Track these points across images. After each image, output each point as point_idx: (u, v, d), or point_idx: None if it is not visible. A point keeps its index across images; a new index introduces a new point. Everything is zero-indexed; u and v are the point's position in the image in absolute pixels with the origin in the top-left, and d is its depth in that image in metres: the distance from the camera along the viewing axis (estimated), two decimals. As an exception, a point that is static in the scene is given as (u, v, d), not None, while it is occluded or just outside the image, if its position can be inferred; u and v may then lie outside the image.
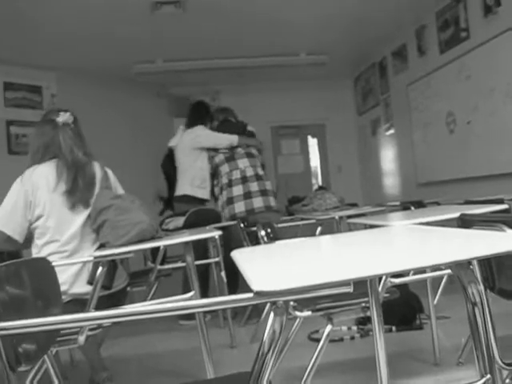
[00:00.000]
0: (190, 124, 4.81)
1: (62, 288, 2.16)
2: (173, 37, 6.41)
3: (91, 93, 7.33)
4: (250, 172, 4.43)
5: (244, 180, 4.38)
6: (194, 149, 4.65)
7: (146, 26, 5.91)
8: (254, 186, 4.37)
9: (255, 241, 3.15)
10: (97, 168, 2.66)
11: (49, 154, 2.57)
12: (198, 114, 4.84)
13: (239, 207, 4.30)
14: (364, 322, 3.60)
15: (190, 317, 3.99)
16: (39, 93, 7.02)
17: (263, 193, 4.38)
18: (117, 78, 7.65)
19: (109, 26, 5.83)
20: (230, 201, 4.35)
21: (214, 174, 4.60)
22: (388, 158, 7.93)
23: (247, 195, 4.33)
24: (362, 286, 1.77)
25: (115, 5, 5.27)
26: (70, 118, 2.64)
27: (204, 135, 4.69)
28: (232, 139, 4.57)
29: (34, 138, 2.68)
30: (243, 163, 4.47)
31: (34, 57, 6.55)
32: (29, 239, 2.52)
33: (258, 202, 4.32)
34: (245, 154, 4.53)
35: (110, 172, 2.76)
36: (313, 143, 9.57)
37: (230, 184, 4.40)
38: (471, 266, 1.16)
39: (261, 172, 4.50)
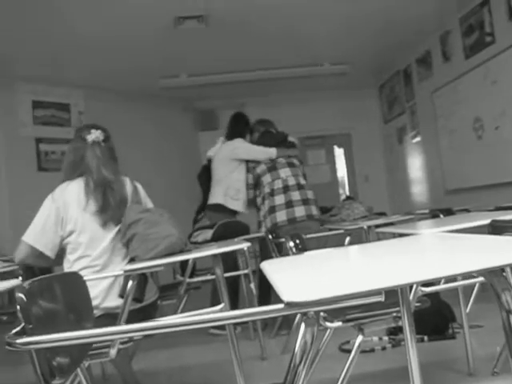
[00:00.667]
0: (230, 136, 4.86)
1: (94, 302, 2.19)
2: (197, 51, 6.47)
3: (118, 109, 7.42)
4: (291, 181, 4.44)
5: (286, 189, 4.40)
6: (231, 160, 4.69)
7: (170, 40, 5.98)
8: (295, 195, 4.38)
9: (283, 252, 3.15)
10: (127, 183, 2.69)
11: (78, 171, 2.61)
12: (238, 127, 4.90)
13: (281, 216, 4.31)
14: (395, 332, 3.56)
15: (222, 327, 3.99)
16: (67, 110, 7.14)
17: (305, 202, 4.38)
18: (142, 93, 7.74)
19: (133, 42, 5.91)
20: (272, 210, 4.36)
21: (256, 184, 4.62)
22: (415, 165, 7.86)
23: (289, 204, 4.34)
24: (392, 295, 1.75)
25: (139, 21, 5.34)
26: (100, 136, 2.66)
27: (243, 148, 4.73)
28: (270, 152, 4.59)
29: (66, 155, 2.72)
30: (285, 173, 4.48)
31: (62, 75, 6.67)
32: (60, 255, 2.55)
33: (299, 211, 4.32)
34: (286, 164, 4.54)
35: (139, 186, 2.78)
36: (339, 153, 9.54)
37: (272, 193, 4.41)
38: (504, 273, 1.14)
39: (303, 181, 4.51)
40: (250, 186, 4.70)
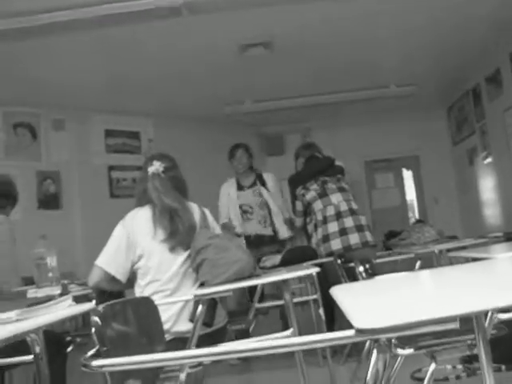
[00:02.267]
0: None
1: (165, 326, 2.22)
2: (261, 77, 6.56)
3: (186, 136, 7.58)
4: (343, 207, 4.34)
5: (338, 216, 4.30)
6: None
7: (235, 67, 6.08)
8: (348, 222, 4.28)
9: (353, 277, 3.11)
10: (195, 209, 2.75)
11: (145, 200, 2.71)
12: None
13: (336, 244, 4.23)
14: (470, 360, 3.43)
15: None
16: (138, 138, 7.37)
17: (359, 228, 4.28)
18: (209, 119, 7.88)
19: (199, 70, 6.05)
20: (326, 238, 4.29)
21: (306, 211, 4.58)
22: (487, 187, 7.62)
23: (343, 232, 4.25)
24: (467, 321, 1.69)
25: (205, 49, 5.46)
26: (159, 167, 2.75)
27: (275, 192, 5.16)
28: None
29: (136, 184, 2.85)
30: (336, 198, 4.38)
31: (131, 104, 6.90)
32: (131, 280, 2.62)
33: (354, 239, 4.23)
34: (337, 189, 4.44)
35: (207, 212, 2.84)
36: (407, 176, 9.38)
37: (325, 221, 4.32)
38: None
39: (355, 206, 4.41)
40: (298, 213, 4.66)
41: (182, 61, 5.71)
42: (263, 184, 5.19)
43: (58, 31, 4.45)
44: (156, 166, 2.74)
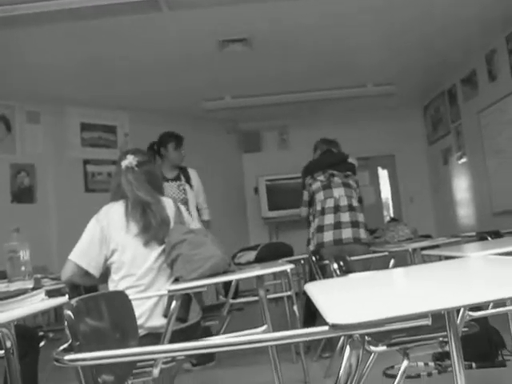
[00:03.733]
0: None
1: (138, 321, 2.21)
2: (241, 73, 6.55)
3: (162, 130, 7.51)
4: (343, 202, 4.39)
5: (336, 209, 4.36)
6: None
7: (215, 63, 6.07)
8: (345, 217, 4.33)
9: (327, 274, 3.13)
10: (169, 204, 2.74)
11: (119, 194, 2.69)
12: None
13: (328, 236, 4.27)
14: (441, 357, 3.47)
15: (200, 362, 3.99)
16: (114, 132, 7.31)
17: (354, 224, 4.32)
18: (187, 115, 7.85)
19: (178, 66, 6.03)
20: (320, 229, 4.33)
21: (311, 200, 4.62)
22: (461, 187, 7.72)
23: (337, 225, 4.30)
24: (439, 319, 1.71)
25: (184, 45, 5.45)
26: (133, 161, 2.73)
27: None
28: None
29: (111, 178, 2.83)
30: (338, 192, 4.43)
31: (108, 98, 6.85)
32: (105, 274, 2.60)
33: (346, 233, 4.27)
34: (341, 184, 4.49)
35: (182, 207, 2.83)
36: (383, 174, 9.46)
37: (323, 212, 4.38)
38: (556, 298, 1.11)
39: (355, 203, 4.45)
40: (304, 203, 4.69)
41: (161, 56, 5.68)
42: (187, 180, 4.97)
43: (33, 22, 4.39)
44: (129, 160, 2.73)
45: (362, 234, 4.35)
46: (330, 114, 8.47)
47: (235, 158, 8.90)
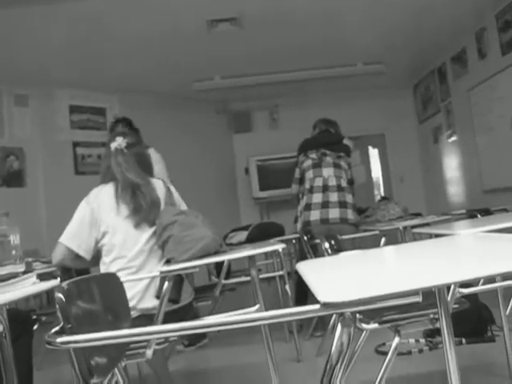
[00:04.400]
0: None
1: (131, 303, 2.22)
2: (230, 53, 6.50)
3: (152, 112, 7.50)
4: (332, 182, 4.40)
5: (325, 188, 4.37)
6: None
7: (204, 44, 6.02)
8: (333, 197, 4.34)
9: (318, 253, 3.14)
10: (159, 185, 2.73)
11: (109, 176, 2.68)
12: None
13: (314, 215, 4.29)
14: (432, 334, 3.51)
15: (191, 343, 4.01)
16: (103, 114, 7.26)
17: (342, 204, 4.33)
18: (177, 96, 7.81)
19: (167, 46, 5.98)
20: (308, 207, 4.34)
21: (301, 178, 4.62)
22: (451, 165, 7.75)
23: (325, 204, 4.31)
24: (429, 296, 1.73)
25: (173, 25, 5.39)
26: (122, 143, 2.72)
27: None
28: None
29: (101, 161, 2.81)
30: (328, 172, 4.44)
31: (97, 80, 6.78)
32: (96, 257, 2.60)
33: (333, 213, 4.28)
34: (332, 164, 4.49)
35: (172, 189, 2.82)
36: (373, 154, 9.47)
37: (311, 190, 4.39)
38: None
39: (344, 184, 4.45)
40: (295, 180, 4.69)
41: (150, 36, 5.61)
42: None
43: (21, 4, 4.34)
44: (119, 142, 2.72)
45: (350, 214, 4.36)
46: (320, 94, 8.44)
47: (226, 139, 8.88)
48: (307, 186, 4.45)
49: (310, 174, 4.48)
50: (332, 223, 4.25)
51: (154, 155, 4.61)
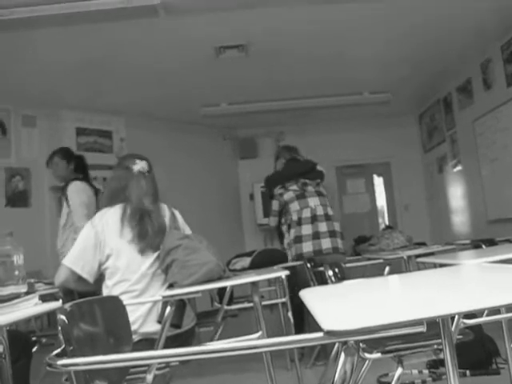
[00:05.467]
0: None
1: (133, 327, 2.20)
2: (237, 80, 6.55)
3: (158, 136, 7.55)
4: (320, 211, 4.38)
5: (314, 219, 4.34)
6: None
7: (211, 70, 6.07)
8: (322, 227, 4.32)
9: (322, 281, 3.12)
10: (165, 210, 2.73)
11: (119, 199, 2.66)
12: None
13: (307, 247, 4.26)
14: (435, 365, 3.47)
15: None
16: (109, 137, 7.30)
17: (332, 234, 4.32)
18: (183, 121, 7.86)
19: (175, 71, 6.03)
20: (299, 240, 4.31)
21: (282, 211, 4.58)
22: (456, 194, 7.74)
23: (316, 235, 4.28)
24: (433, 327, 1.71)
25: (181, 50, 5.45)
26: (145, 166, 2.72)
27: None
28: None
29: (108, 182, 2.79)
30: (314, 202, 4.42)
31: (104, 103, 6.84)
32: (99, 280, 2.59)
33: (326, 243, 4.27)
34: (315, 193, 4.48)
35: (177, 213, 2.82)
36: (378, 182, 9.47)
37: (300, 222, 4.35)
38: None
39: (331, 212, 4.44)
40: (274, 212, 4.63)
41: (158, 61, 5.67)
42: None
43: (30, 26, 4.39)
44: (142, 165, 2.72)
45: (340, 243, 4.37)
46: (325, 121, 8.48)
47: (231, 165, 8.90)
48: (294, 217, 4.40)
49: (295, 206, 4.43)
50: (325, 254, 4.23)
51: (76, 187, 4.52)
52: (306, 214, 4.36)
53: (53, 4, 4.05)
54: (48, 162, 4.76)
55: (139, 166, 2.71)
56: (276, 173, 4.83)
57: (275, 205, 4.60)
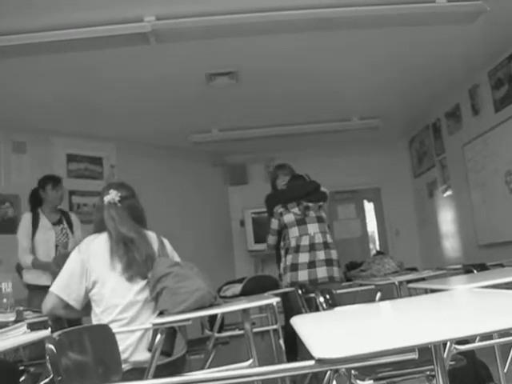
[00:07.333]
0: None
1: (123, 356, 2.18)
2: (227, 106, 6.59)
3: (149, 162, 7.54)
4: (318, 239, 4.34)
5: (312, 247, 4.30)
6: None
7: (202, 96, 6.10)
8: (320, 255, 4.28)
9: (313, 307, 3.10)
10: (153, 238, 2.72)
11: (101, 228, 2.67)
12: None
13: (303, 276, 4.22)
14: (429, 391, 3.44)
15: None
16: (100, 164, 7.29)
17: (328, 262, 4.28)
18: (173, 147, 7.87)
19: (166, 98, 6.06)
20: (295, 267, 4.28)
21: (281, 232, 4.55)
22: (447, 219, 7.76)
23: (312, 264, 4.25)
24: (425, 353, 1.70)
25: (172, 77, 5.48)
26: (115, 197, 2.71)
27: None
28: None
29: (94, 212, 2.80)
30: (313, 229, 4.38)
31: (95, 129, 6.84)
32: (88, 307, 2.56)
33: (321, 272, 4.23)
34: (316, 219, 4.42)
35: (165, 241, 2.81)
36: (369, 207, 9.49)
37: (298, 250, 4.32)
38: (542, 331, 1.10)
39: (329, 240, 4.40)
40: (272, 231, 4.59)
41: (148, 88, 5.70)
42: (70, 226, 4.79)
43: (19, 54, 4.40)
44: (112, 196, 2.71)
45: (336, 272, 4.33)
46: (315, 147, 8.51)
47: (221, 191, 8.90)
48: (293, 244, 4.37)
49: (294, 232, 4.40)
50: (320, 283, 4.20)
51: (76, 221, 4.72)
52: (305, 241, 4.32)
53: (42, 32, 4.08)
54: (57, 186, 4.84)
55: (109, 196, 2.71)
56: (280, 191, 4.77)
57: (274, 224, 4.55)
